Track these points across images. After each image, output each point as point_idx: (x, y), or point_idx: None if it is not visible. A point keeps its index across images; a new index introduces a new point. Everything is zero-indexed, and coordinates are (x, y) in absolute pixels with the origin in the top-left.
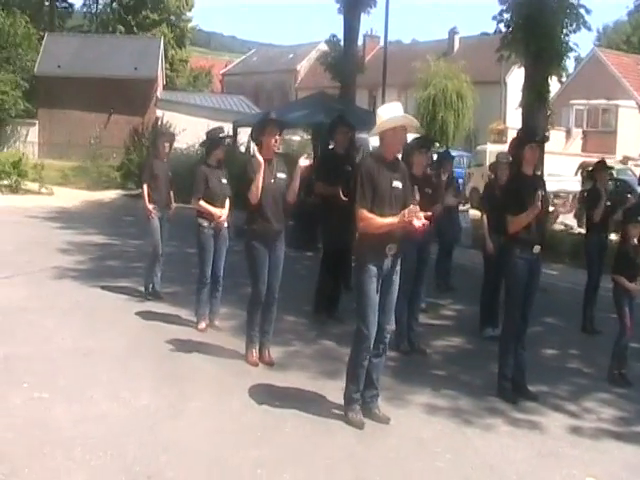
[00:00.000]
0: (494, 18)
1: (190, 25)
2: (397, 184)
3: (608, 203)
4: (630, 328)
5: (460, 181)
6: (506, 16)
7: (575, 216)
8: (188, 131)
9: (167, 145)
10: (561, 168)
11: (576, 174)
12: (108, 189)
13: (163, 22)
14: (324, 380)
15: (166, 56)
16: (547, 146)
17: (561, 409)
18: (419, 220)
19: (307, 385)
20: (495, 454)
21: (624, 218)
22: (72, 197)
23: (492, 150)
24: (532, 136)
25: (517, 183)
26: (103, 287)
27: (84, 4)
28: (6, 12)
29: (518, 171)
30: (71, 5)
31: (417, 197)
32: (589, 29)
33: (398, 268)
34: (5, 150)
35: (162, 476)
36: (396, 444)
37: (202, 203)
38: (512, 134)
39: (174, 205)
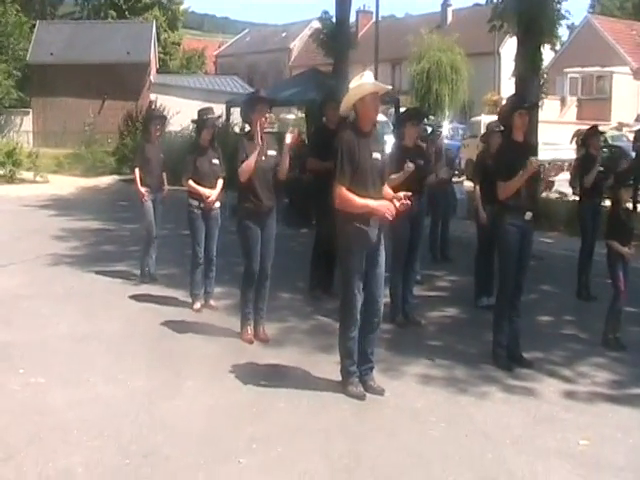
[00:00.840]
0: None
1: (182, 7)
2: (376, 156)
3: (601, 169)
4: (624, 292)
5: (456, 153)
6: None
7: (570, 184)
8: (182, 114)
9: (158, 128)
10: (556, 137)
11: (571, 142)
12: (103, 175)
13: (155, 5)
14: (319, 355)
15: (159, 39)
16: (542, 115)
17: (556, 374)
18: (399, 201)
19: (302, 361)
20: (490, 421)
21: (615, 182)
22: (67, 184)
23: (486, 121)
24: (521, 102)
25: (508, 150)
26: (99, 272)
27: None
28: None
29: (508, 138)
30: None
31: (411, 166)
32: None
33: (383, 240)
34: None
35: (158, 455)
36: (390, 415)
37: (191, 183)
38: None
39: (167, 187)
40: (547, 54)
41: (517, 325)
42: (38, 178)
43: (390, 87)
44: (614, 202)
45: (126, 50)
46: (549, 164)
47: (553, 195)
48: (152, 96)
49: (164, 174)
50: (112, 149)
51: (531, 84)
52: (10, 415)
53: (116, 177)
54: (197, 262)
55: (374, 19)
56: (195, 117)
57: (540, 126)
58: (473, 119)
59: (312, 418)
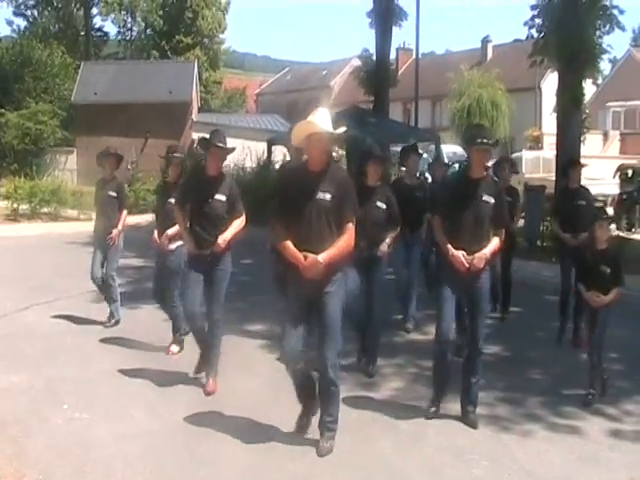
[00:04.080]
0: (526, 24)
1: (223, 47)
2: (324, 196)
3: None
4: (585, 342)
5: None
6: (537, 21)
7: (613, 219)
8: None
9: (112, 164)
10: (599, 171)
11: (614, 177)
12: (145, 212)
13: (197, 45)
14: (361, 392)
15: (200, 78)
16: (584, 149)
17: (600, 413)
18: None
19: (343, 397)
20: (533, 460)
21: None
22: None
23: (528, 157)
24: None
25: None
26: (141, 309)
27: (119, 32)
28: (44, 44)
29: (465, 173)
30: (106, 34)
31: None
32: (623, 29)
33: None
34: (45, 179)
35: None
36: (432, 453)
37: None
38: (548, 140)
39: (119, 229)
40: (589, 88)
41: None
42: (82, 216)
43: (340, 131)
44: (588, 242)
45: (168, 89)
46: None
47: None
48: (194, 135)
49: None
50: (154, 187)
51: (573, 119)
52: (55, 450)
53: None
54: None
55: (414, 56)
56: (237, 156)
57: (583, 161)
58: (514, 155)
59: (354, 454)
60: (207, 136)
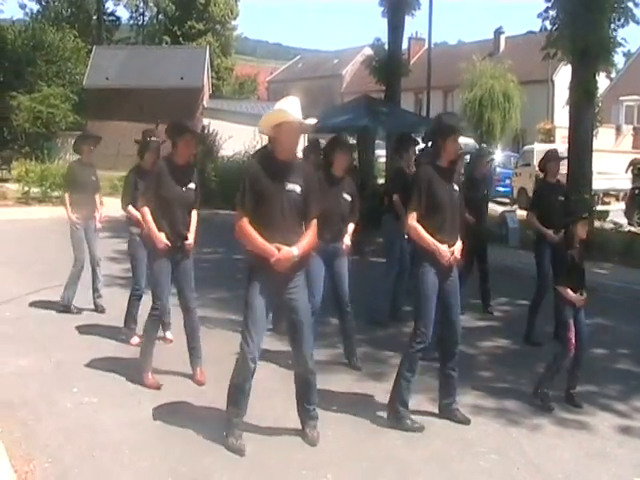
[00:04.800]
0: (539, 16)
1: (235, 33)
2: (292, 187)
3: None
4: (574, 345)
5: (508, 181)
6: (551, 13)
7: (625, 214)
8: (234, 138)
9: (92, 149)
10: (611, 166)
11: (626, 171)
12: None
13: (208, 31)
14: (369, 382)
15: (212, 65)
16: (596, 143)
17: (610, 409)
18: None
19: (352, 388)
20: (541, 454)
21: (569, 215)
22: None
23: (539, 150)
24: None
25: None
26: (149, 295)
27: (131, 17)
28: (56, 27)
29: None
30: (118, 18)
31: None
32: (638, 23)
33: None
34: (56, 162)
35: (207, 478)
36: (440, 445)
37: (131, 209)
38: (560, 133)
39: (101, 212)
40: (602, 82)
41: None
42: None
43: (312, 123)
44: (567, 240)
45: (180, 75)
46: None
47: (607, 225)
48: (205, 121)
49: (97, 197)
50: None
51: (586, 112)
52: (64, 433)
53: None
54: (137, 293)
55: (426, 46)
56: (247, 142)
57: (595, 155)
58: (525, 147)
59: (361, 446)
60: (177, 122)
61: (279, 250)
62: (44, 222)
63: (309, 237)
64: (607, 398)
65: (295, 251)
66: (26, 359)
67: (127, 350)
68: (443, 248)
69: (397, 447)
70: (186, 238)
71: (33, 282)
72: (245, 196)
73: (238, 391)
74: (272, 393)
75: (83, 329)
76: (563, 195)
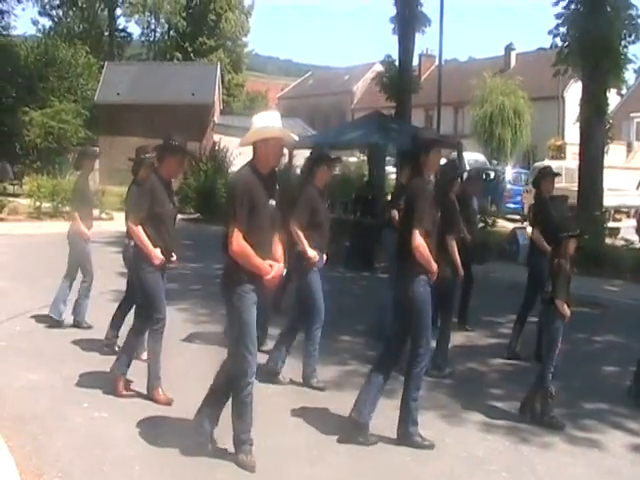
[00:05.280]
0: (550, 32)
1: (246, 50)
2: (272, 202)
3: None
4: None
5: (519, 197)
6: (562, 30)
7: (637, 231)
8: (244, 154)
9: (93, 164)
10: (622, 182)
11: (637, 188)
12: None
13: (220, 48)
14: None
15: (223, 81)
16: (607, 160)
17: (621, 427)
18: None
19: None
20: (553, 472)
21: (562, 231)
22: None
23: (554, 167)
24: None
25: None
26: None
27: (142, 33)
28: (68, 43)
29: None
30: (130, 34)
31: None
32: None
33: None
34: (67, 177)
35: None
36: (451, 463)
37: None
38: (571, 150)
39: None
40: (613, 98)
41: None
42: (103, 215)
43: (296, 139)
44: (560, 255)
45: (191, 91)
46: (618, 211)
47: (619, 242)
48: (215, 137)
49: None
50: (175, 189)
51: (596, 129)
52: (74, 448)
53: (178, 216)
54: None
55: (437, 62)
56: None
57: (606, 171)
58: (536, 164)
59: (372, 463)
60: (174, 138)
61: (271, 267)
62: (55, 237)
63: (281, 251)
64: (619, 416)
65: (282, 267)
66: (37, 374)
67: (137, 366)
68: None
69: (407, 463)
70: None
71: (44, 296)
72: (241, 212)
73: (243, 406)
74: (281, 408)
75: (94, 344)
76: (555, 211)
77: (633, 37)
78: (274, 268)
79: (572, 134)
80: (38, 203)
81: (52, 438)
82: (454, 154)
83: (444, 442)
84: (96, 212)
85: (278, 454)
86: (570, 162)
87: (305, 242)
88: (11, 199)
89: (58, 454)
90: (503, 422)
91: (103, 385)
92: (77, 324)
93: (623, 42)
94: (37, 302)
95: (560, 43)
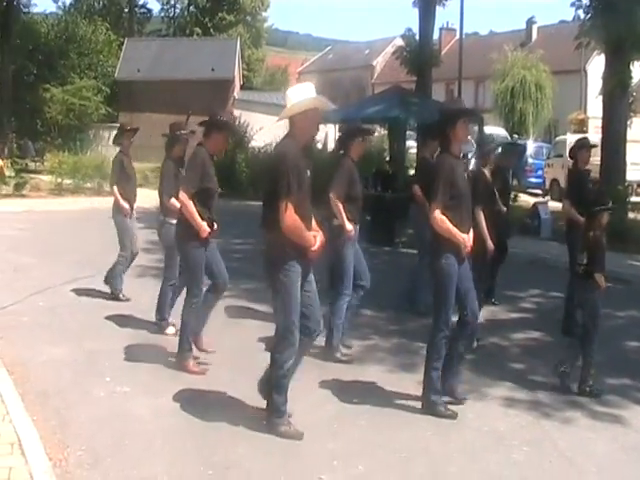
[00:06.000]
0: (572, 4)
1: (266, 25)
2: (308, 173)
3: None
4: None
5: (540, 172)
6: (585, 1)
7: None
8: (265, 130)
9: (132, 140)
10: None
11: None
12: None
13: (239, 23)
14: (401, 373)
15: (243, 56)
16: (630, 134)
17: None
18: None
19: (384, 378)
20: (574, 447)
21: (595, 205)
22: (152, 198)
23: (572, 141)
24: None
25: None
26: None
27: (162, 9)
28: (88, 20)
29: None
30: (149, 10)
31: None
32: None
33: None
34: (88, 154)
35: (240, 467)
36: (472, 437)
37: (174, 201)
38: (593, 123)
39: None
40: (636, 71)
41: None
42: None
43: (331, 108)
44: (595, 227)
45: (211, 67)
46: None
47: None
48: (236, 112)
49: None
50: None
51: (619, 102)
52: (97, 422)
53: None
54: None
55: (458, 36)
56: (278, 134)
57: (628, 145)
58: (558, 138)
59: (393, 437)
60: (220, 114)
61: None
62: (77, 213)
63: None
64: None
65: (323, 238)
66: (60, 348)
67: (159, 340)
68: (465, 237)
69: (429, 438)
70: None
71: (67, 272)
72: (292, 186)
73: (285, 379)
74: (306, 384)
75: (116, 319)
76: (591, 183)
77: None
78: (317, 239)
79: (595, 108)
80: (59, 180)
81: (75, 412)
82: (475, 128)
83: (466, 417)
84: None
85: (300, 428)
86: (593, 136)
87: (344, 215)
88: (33, 176)
89: (81, 428)
90: (525, 397)
91: (125, 359)
92: (114, 296)
93: None
94: (60, 278)
95: (583, 15)
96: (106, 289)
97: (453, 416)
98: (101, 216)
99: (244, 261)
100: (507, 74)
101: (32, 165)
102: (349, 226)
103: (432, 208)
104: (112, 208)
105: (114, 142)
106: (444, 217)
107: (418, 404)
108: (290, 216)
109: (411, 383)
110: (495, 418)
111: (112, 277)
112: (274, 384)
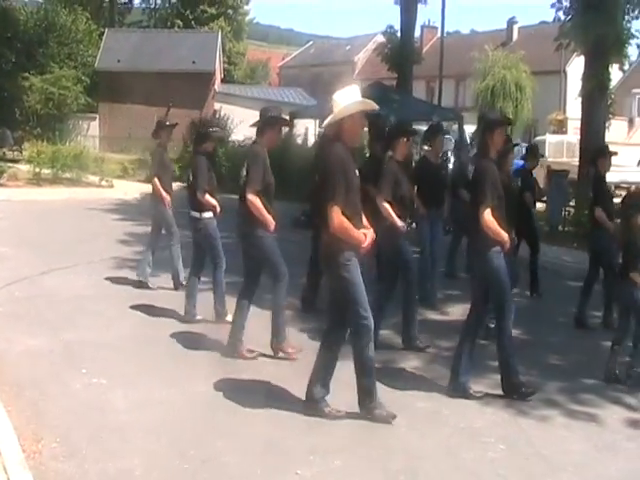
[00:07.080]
0: (553, 6)
1: (247, 18)
2: (357, 174)
3: None
4: None
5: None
6: (565, 3)
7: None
8: (245, 123)
9: (170, 135)
10: (623, 159)
11: (639, 165)
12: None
13: (221, 16)
14: (379, 369)
15: (224, 49)
16: (608, 136)
17: (619, 402)
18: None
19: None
20: (550, 445)
21: (629, 207)
22: (131, 189)
23: (551, 141)
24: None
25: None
26: (161, 276)
27: (143, 0)
28: (68, 9)
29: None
30: (130, 1)
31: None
32: None
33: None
34: (67, 144)
35: (217, 461)
36: (449, 434)
37: (208, 197)
38: (573, 124)
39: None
40: (615, 74)
41: None
42: (103, 182)
43: (377, 107)
44: (629, 228)
45: (192, 59)
46: (619, 187)
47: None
48: (216, 105)
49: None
50: (176, 157)
51: (598, 104)
52: (73, 414)
53: (179, 184)
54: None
55: (439, 34)
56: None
57: (611, 148)
58: (537, 138)
59: (372, 432)
60: (271, 111)
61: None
62: (56, 203)
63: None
64: (617, 391)
65: (373, 233)
66: (36, 339)
67: (137, 331)
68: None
69: (406, 433)
70: None
71: (44, 263)
72: (339, 190)
73: (369, 363)
74: (285, 375)
75: (94, 310)
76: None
77: (637, 12)
78: (367, 235)
79: (574, 109)
80: (38, 169)
81: (51, 403)
82: (455, 126)
83: (442, 413)
84: (96, 179)
85: (278, 423)
86: (571, 137)
87: (394, 214)
88: (11, 165)
89: (56, 420)
90: (501, 394)
91: (103, 351)
92: (175, 286)
93: (626, 17)
94: (37, 268)
95: (563, 17)
96: (83, 280)
97: (480, 397)
98: (79, 208)
99: (226, 254)
100: (488, 73)
101: (10, 154)
102: (400, 223)
103: (481, 210)
104: (150, 199)
105: (153, 136)
106: (494, 220)
107: (394, 401)
108: (337, 218)
109: (389, 378)
110: (472, 415)
111: (176, 273)
112: (363, 370)
